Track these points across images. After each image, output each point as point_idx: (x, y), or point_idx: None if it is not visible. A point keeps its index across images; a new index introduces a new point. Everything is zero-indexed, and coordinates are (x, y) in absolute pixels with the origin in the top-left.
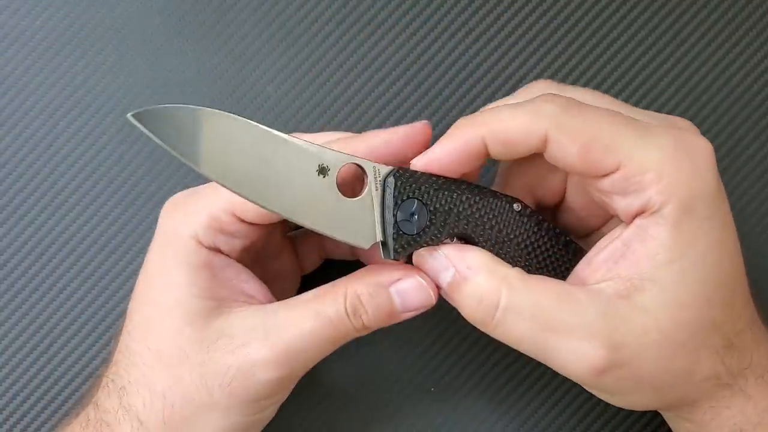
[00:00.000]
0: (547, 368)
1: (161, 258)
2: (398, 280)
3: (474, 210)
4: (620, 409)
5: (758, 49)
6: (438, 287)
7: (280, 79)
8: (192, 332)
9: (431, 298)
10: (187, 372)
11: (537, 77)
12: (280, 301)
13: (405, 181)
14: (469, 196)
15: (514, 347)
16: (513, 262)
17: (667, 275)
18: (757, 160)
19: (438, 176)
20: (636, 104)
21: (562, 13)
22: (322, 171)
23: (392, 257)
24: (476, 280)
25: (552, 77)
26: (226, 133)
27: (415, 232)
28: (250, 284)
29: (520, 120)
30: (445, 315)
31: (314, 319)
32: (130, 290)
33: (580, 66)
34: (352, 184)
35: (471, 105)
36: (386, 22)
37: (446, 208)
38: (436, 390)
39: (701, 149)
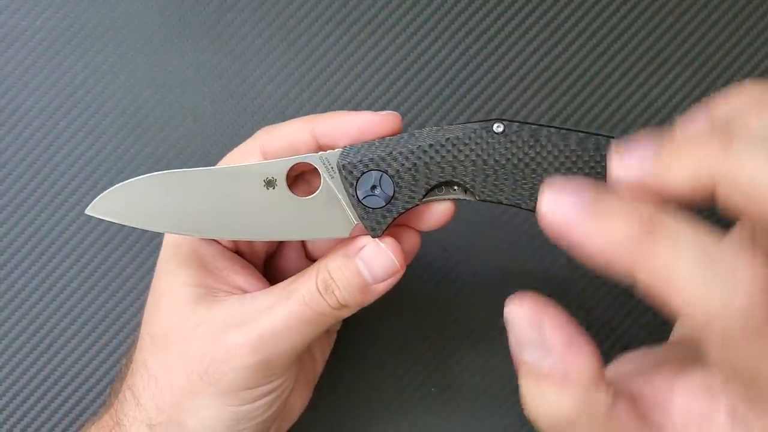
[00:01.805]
0: None
1: (163, 249)
2: (362, 247)
3: (444, 154)
4: None
5: (758, 49)
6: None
7: (280, 79)
8: (177, 319)
9: (394, 263)
10: (172, 358)
11: (537, 77)
12: (263, 289)
13: (352, 158)
14: (431, 143)
15: None
16: (517, 189)
17: None
18: None
19: (391, 136)
20: (637, 105)
21: (562, 13)
22: (270, 183)
23: (373, 235)
24: (563, 393)
25: (552, 77)
26: (170, 190)
27: (384, 205)
28: (243, 275)
29: None
30: (446, 315)
31: (287, 300)
32: (130, 290)
33: (580, 66)
34: (313, 181)
35: (471, 105)
36: (386, 22)
37: (409, 165)
38: (436, 390)
39: None
